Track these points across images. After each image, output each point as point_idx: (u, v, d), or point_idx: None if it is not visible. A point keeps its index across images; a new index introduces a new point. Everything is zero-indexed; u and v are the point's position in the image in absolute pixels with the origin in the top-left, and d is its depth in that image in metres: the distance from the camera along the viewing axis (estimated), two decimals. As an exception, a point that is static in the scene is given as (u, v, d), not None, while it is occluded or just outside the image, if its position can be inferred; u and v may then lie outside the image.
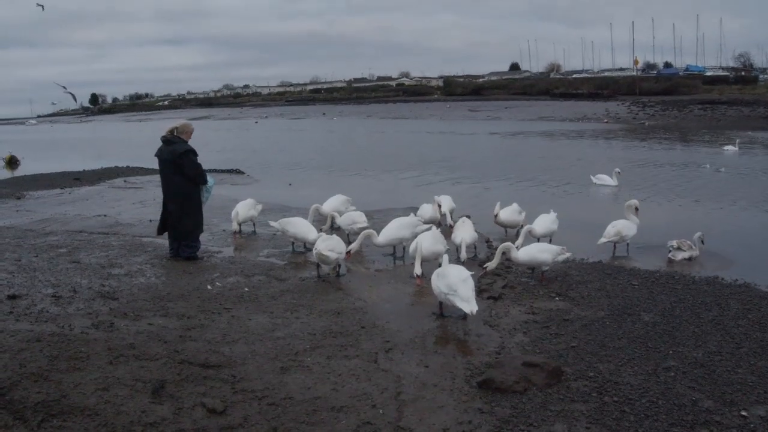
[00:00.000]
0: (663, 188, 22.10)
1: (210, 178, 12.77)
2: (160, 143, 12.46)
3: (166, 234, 12.77)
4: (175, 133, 12.41)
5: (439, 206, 14.52)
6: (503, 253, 11.12)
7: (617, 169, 22.55)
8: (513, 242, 11.93)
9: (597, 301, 9.82)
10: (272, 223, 13.34)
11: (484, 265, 10.65)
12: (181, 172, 12.20)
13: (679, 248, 12.58)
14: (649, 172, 26.38)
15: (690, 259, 12.47)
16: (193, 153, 12.31)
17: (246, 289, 10.37)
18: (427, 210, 14.69)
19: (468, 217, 13.87)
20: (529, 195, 20.94)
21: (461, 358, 7.61)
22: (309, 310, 9.31)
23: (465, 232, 12.11)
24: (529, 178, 25.40)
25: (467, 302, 8.41)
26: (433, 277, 9.07)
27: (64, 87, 27.26)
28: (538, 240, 13.08)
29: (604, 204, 19.23)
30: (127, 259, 12.31)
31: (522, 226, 13.79)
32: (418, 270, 10.02)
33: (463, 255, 11.62)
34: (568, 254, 11.26)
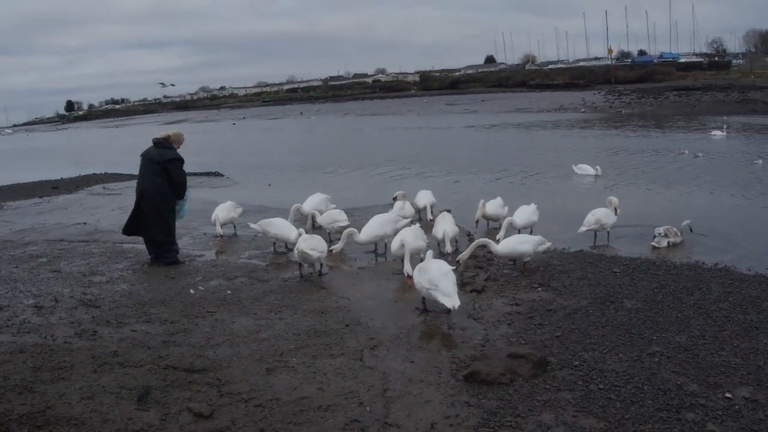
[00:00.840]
0: (641, 175, 22.28)
1: (189, 191, 12.85)
2: (137, 149, 12.47)
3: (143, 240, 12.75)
4: (166, 137, 12.56)
5: (395, 199, 14.48)
6: (484, 247, 11.16)
7: (597, 167, 22.67)
8: (497, 235, 12.00)
9: (579, 290, 9.87)
10: (252, 225, 13.31)
11: (456, 258, 10.68)
12: (163, 176, 12.22)
13: (665, 235, 12.68)
14: (627, 160, 26.56)
15: (671, 245, 12.57)
16: (181, 161, 12.44)
17: (229, 291, 10.33)
18: (408, 206, 14.69)
19: (448, 211, 13.90)
20: (509, 187, 21.02)
21: (446, 352, 7.62)
22: (293, 311, 9.29)
23: (446, 226, 12.14)
24: (508, 170, 25.48)
25: (449, 297, 8.42)
26: (415, 272, 9.06)
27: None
28: (519, 231, 13.11)
29: (586, 193, 19.33)
30: (108, 266, 12.22)
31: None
32: (408, 270, 9.96)
33: (447, 248, 11.64)
34: (548, 244, 11.30)
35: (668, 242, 12.61)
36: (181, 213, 12.78)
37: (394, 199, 14.29)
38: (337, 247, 11.43)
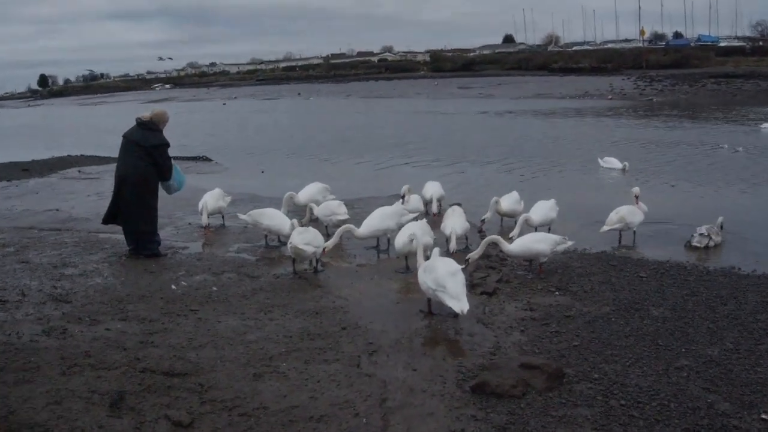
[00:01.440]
0: (672, 170, 22.22)
1: (180, 174, 12.90)
2: (118, 129, 12.47)
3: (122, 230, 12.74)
4: (150, 118, 12.55)
5: (402, 197, 14.41)
6: (497, 246, 11.15)
7: (626, 163, 22.60)
8: (510, 233, 11.97)
9: (601, 295, 9.85)
10: (242, 216, 13.31)
11: (466, 257, 10.67)
12: (147, 160, 12.23)
13: (707, 235, 12.64)
14: (657, 154, 26.48)
15: (710, 246, 12.55)
16: (167, 146, 12.61)
17: (214, 288, 10.34)
18: (413, 199, 14.66)
19: (459, 205, 13.87)
20: (526, 180, 20.99)
21: (452, 360, 7.61)
22: (284, 311, 9.29)
23: (455, 222, 12.11)
24: (525, 161, 25.46)
25: (457, 299, 8.40)
26: (420, 271, 9.05)
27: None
28: (536, 229, 13.10)
29: (611, 189, 19.30)
30: (81, 257, 12.23)
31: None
32: (420, 263, 9.95)
33: (453, 246, 11.63)
34: (568, 243, 11.28)
35: (709, 243, 12.59)
36: (172, 187, 12.81)
37: (403, 197, 14.21)
38: (329, 243, 11.45)
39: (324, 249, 11.21)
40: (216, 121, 55.75)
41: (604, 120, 43.51)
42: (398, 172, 23.70)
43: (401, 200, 14.02)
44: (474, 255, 10.70)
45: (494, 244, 11.08)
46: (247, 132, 44.10)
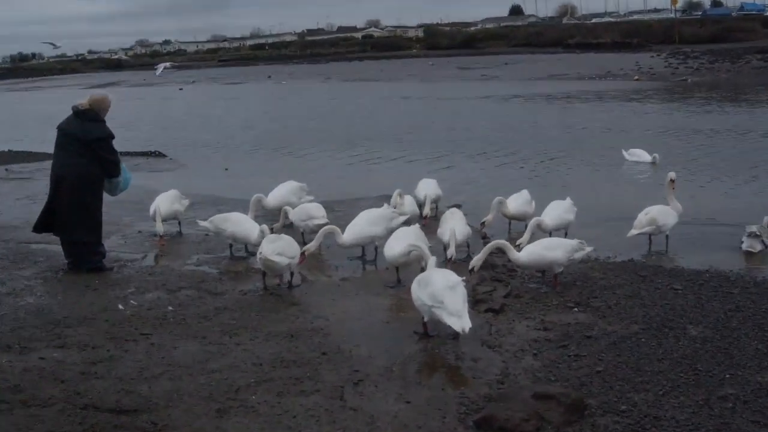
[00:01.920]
0: (711, 163, 22.28)
1: (126, 172, 12.82)
2: (53, 119, 12.39)
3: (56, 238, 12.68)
4: (89, 106, 12.39)
5: (399, 196, 14.40)
6: (502, 252, 11.16)
7: (655, 155, 22.66)
8: (518, 240, 11.97)
9: (628, 311, 9.88)
10: (202, 223, 13.29)
11: (469, 267, 10.67)
12: (89, 156, 12.12)
13: (759, 235, 12.66)
14: (693, 144, 26.53)
15: (766, 248, 12.61)
16: (111, 138, 12.41)
17: (170, 307, 10.33)
18: (407, 202, 14.60)
19: (458, 207, 13.87)
20: (539, 177, 21.03)
21: (453, 391, 7.61)
22: (253, 334, 9.29)
23: (455, 225, 12.11)
24: (537, 155, 25.49)
25: (457, 317, 8.41)
26: (414, 285, 9.06)
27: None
28: (550, 234, 13.11)
29: (639, 186, 19.34)
30: (9, 272, 12.17)
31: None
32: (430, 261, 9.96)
33: (452, 251, 11.64)
34: (587, 250, 11.31)
35: (764, 245, 12.62)
36: (119, 185, 12.71)
37: (395, 207, 14.18)
38: (311, 246, 11.42)
39: (303, 254, 11.20)
40: (171, 110, 55.50)
41: (629, 105, 43.62)
42: (387, 169, 23.74)
43: (393, 206, 13.95)
44: (476, 262, 10.70)
45: (500, 252, 11.08)
46: (208, 122, 43.91)
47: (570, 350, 8.63)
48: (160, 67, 59.75)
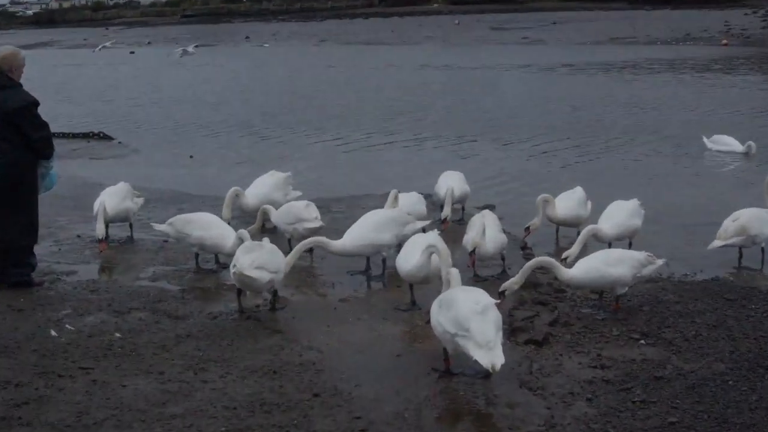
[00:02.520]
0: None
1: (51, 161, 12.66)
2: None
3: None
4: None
5: (395, 198, 14.30)
6: (546, 271, 11.10)
7: (750, 143, 22.58)
8: (564, 253, 11.90)
9: (711, 345, 9.77)
10: (159, 227, 13.20)
11: (500, 289, 10.60)
12: (12, 135, 11.97)
13: None
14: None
15: None
16: (35, 106, 12.13)
17: (117, 334, 10.22)
18: (409, 202, 14.44)
19: (491, 208, 13.77)
20: (595, 172, 20.92)
21: (484, 446, 7.52)
22: (225, 369, 9.19)
23: (490, 235, 12.02)
24: (591, 142, 25.42)
25: (487, 349, 8.30)
26: (434, 308, 8.96)
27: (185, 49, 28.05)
28: (609, 245, 13.04)
29: (726, 183, 19.27)
30: None
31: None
32: (453, 278, 9.83)
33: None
34: (659, 263, 11.21)
35: None
36: (43, 185, 12.58)
37: (443, 221, 14.07)
38: (288, 260, 11.36)
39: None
40: (119, 80, 55.40)
41: (713, 77, 43.59)
42: (398, 159, 23.71)
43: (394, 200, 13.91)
44: (511, 284, 10.61)
45: (543, 269, 11.01)
46: (167, 96, 43.86)
47: (635, 395, 8.51)
48: (179, 50, 58.24)
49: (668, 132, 26.67)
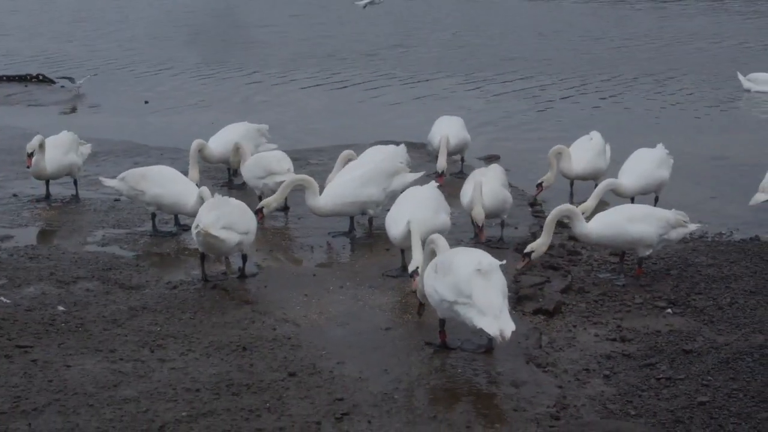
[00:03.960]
0: None
1: None
2: None
3: None
4: None
5: (439, 175, 14.15)
6: (563, 223, 11.12)
7: None
8: (581, 206, 11.87)
9: (749, 314, 9.83)
10: (108, 182, 13.16)
11: (525, 250, 10.57)
12: None
13: None
14: None
15: None
16: None
17: (61, 308, 10.22)
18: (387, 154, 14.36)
19: (495, 159, 13.70)
20: (613, 114, 20.89)
21: (484, 429, 7.59)
22: (186, 346, 9.22)
23: (490, 188, 11.98)
24: (609, 80, 25.33)
25: (492, 317, 8.33)
26: (428, 272, 8.99)
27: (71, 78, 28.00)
28: (632, 201, 13.04)
29: (765, 129, 19.25)
30: None
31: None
32: (416, 260, 9.87)
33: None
34: (691, 228, 11.23)
35: None
36: None
37: (438, 175, 13.93)
38: (272, 200, 11.35)
39: (259, 212, 11.17)
40: (59, 8, 54.96)
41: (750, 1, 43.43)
42: (388, 102, 23.63)
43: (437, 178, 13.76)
44: (539, 245, 10.57)
45: (564, 221, 11.03)
46: (118, 28, 43.51)
47: (659, 371, 8.57)
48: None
49: (699, 69, 26.58)
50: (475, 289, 8.42)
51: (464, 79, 26.78)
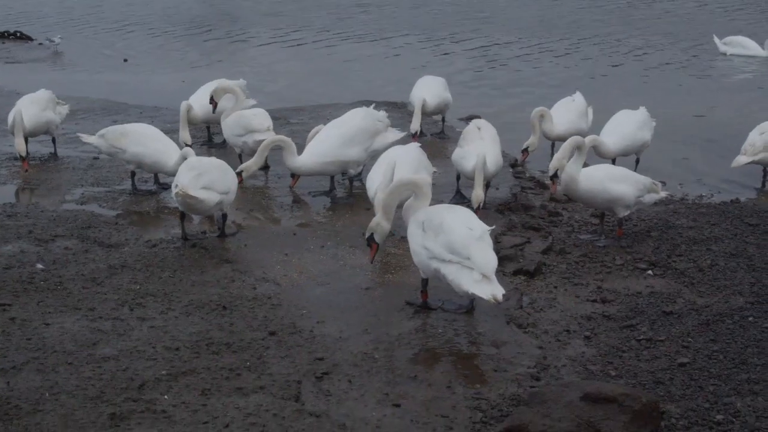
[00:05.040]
0: None
1: None
2: None
3: None
4: None
5: (415, 135, 14.10)
6: (541, 187, 11.15)
7: None
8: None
9: (730, 276, 9.86)
10: (88, 139, 13.07)
11: (550, 171, 10.68)
12: None
13: None
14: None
15: None
16: None
17: (39, 266, 10.20)
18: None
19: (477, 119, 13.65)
20: (593, 77, 20.90)
21: (464, 389, 7.60)
22: (166, 304, 9.22)
23: (493, 156, 11.92)
24: (592, 39, 25.33)
25: (487, 280, 8.36)
26: (413, 229, 8.97)
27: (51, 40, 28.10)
28: (614, 162, 13.06)
29: (745, 92, 19.25)
30: None
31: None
32: (381, 227, 9.79)
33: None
34: (662, 195, 11.31)
35: None
36: None
37: (415, 135, 13.91)
38: (251, 164, 11.33)
39: (240, 175, 11.15)
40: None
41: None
42: (370, 61, 23.60)
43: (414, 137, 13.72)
44: (557, 161, 10.68)
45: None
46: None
47: (640, 332, 8.61)
48: None
49: (676, 31, 26.61)
50: (473, 251, 8.43)
51: (440, 38, 26.77)
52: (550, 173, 10.67)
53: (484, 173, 11.47)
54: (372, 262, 9.77)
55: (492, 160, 11.77)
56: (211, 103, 14.07)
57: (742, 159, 12.88)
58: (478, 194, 11.23)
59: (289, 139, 11.94)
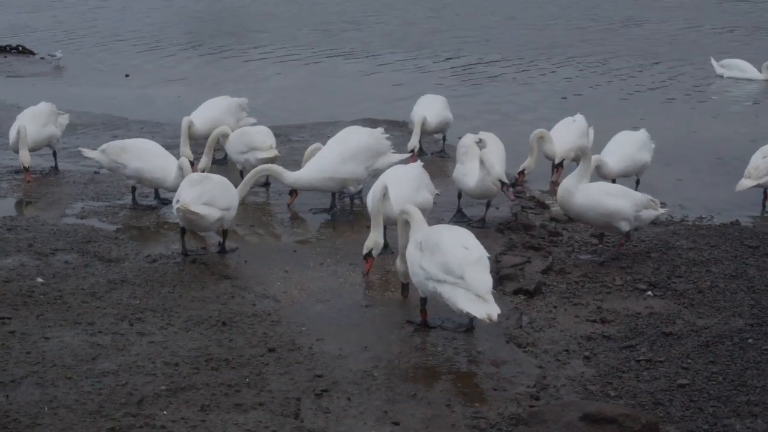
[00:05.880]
0: None
1: None
2: None
3: None
4: None
5: (424, 122, 14.12)
6: (542, 207, 11.14)
7: None
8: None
9: (729, 297, 9.85)
10: (89, 153, 13.10)
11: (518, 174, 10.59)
12: None
13: None
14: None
15: None
16: None
17: (39, 279, 10.17)
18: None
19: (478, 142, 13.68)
20: (593, 98, 20.89)
21: (463, 408, 7.58)
22: (165, 320, 9.20)
23: (496, 159, 11.81)
24: (594, 59, 25.34)
25: (482, 300, 8.34)
26: (411, 250, 8.96)
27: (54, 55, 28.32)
28: (614, 182, 13.05)
29: (742, 114, 19.25)
30: None
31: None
32: (376, 241, 9.87)
33: (414, 142, 11.38)
34: (660, 211, 11.31)
35: None
36: None
37: (412, 152, 13.90)
38: (240, 193, 11.32)
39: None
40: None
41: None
42: (372, 80, 23.62)
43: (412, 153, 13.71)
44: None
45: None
46: (100, 4, 43.39)
47: (639, 353, 8.59)
48: None
49: (678, 53, 26.64)
50: (467, 270, 8.42)
51: (451, 59, 26.80)
52: (556, 162, 10.67)
53: (498, 175, 11.45)
54: (365, 276, 9.80)
55: (500, 170, 11.70)
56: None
57: (746, 182, 12.88)
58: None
59: (274, 165, 11.97)
